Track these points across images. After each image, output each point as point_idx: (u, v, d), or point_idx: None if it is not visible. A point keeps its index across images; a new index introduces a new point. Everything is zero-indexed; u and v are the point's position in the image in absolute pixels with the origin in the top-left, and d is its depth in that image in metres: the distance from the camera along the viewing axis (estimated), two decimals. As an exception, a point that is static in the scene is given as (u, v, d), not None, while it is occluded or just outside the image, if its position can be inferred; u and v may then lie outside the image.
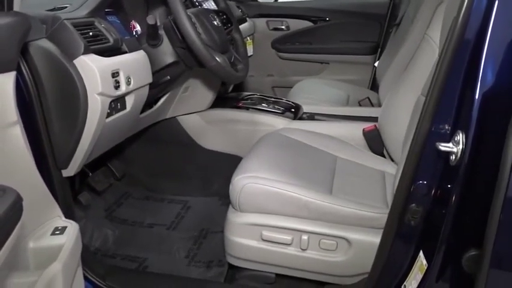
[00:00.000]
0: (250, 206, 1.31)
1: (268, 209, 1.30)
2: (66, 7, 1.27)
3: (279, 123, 1.86)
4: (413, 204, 0.96)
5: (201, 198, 1.98)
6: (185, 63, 1.42)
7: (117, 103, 1.29)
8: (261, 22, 2.86)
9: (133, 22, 1.66)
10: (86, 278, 1.31)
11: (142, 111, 1.58)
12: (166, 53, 1.41)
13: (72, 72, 1.13)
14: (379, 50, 2.67)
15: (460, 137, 0.83)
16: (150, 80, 1.40)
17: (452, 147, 0.84)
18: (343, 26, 2.78)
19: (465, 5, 0.80)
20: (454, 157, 0.85)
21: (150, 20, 1.26)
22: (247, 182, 1.31)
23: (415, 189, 0.95)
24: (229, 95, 2.18)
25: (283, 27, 2.87)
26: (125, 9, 1.50)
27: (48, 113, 1.16)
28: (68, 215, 1.32)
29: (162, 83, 1.48)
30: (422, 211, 0.95)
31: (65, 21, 1.14)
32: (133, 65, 1.31)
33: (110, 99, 1.21)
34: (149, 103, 1.65)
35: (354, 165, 1.57)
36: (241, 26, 2.59)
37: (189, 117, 1.93)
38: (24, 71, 1.10)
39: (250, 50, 2.76)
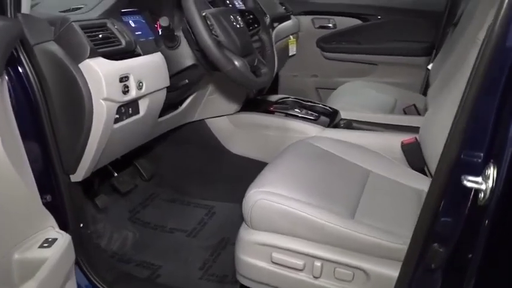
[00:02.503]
0: (261, 223, 1.21)
1: (280, 229, 1.19)
2: (81, 8, 1.23)
3: (311, 130, 1.74)
4: (436, 244, 0.81)
5: (227, 204, 1.91)
6: (204, 67, 1.34)
7: (128, 108, 1.24)
8: (306, 20, 2.72)
9: (159, 21, 1.61)
10: (92, 284, 1.29)
11: (166, 113, 1.53)
12: (184, 55, 1.34)
13: (76, 76, 1.09)
14: (434, 51, 2.44)
15: (491, 171, 0.68)
16: (166, 83, 1.34)
17: (480, 183, 0.69)
18: (395, 24, 2.56)
19: (502, 14, 0.64)
20: (482, 195, 0.69)
21: (163, 22, 1.19)
22: (260, 197, 1.20)
23: (437, 226, 0.80)
24: (262, 98, 2.08)
25: (329, 25, 2.71)
26: (150, 8, 1.45)
27: (54, 117, 1.13)
28: (79, 219, 1.31)
29: (180, 86, 1.41)
30: (444, 253, 0.80)
31: (74, 23, 1.10)
32: (147, 68, 1.25)
33: (117, 105, 1.15)
34: (173, 105, 1.60)
35: (388, 182, 1.41)
36: (284, 24, 2.48)
37: (217, 120, 1.86)
38: (30, 74, 1.07)
39: (293, 49, 2.64)
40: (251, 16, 1.48)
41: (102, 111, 1.12)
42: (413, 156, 1.53)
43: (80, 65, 1.09)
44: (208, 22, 1.24)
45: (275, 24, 2.23)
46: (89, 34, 1.12)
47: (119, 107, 1.18)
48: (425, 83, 2.44)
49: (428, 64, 2.44)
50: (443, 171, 0.75)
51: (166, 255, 1.59)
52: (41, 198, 1.15)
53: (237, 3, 1.75)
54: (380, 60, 2.62)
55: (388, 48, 2.58)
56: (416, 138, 1.53)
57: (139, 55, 1.25)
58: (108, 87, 1.10)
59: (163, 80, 1.32)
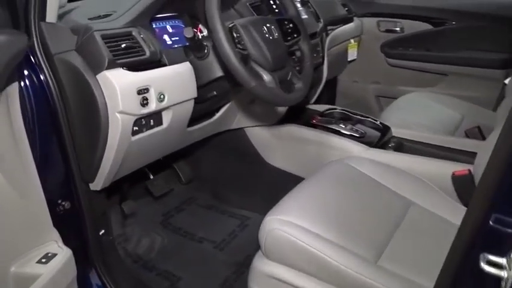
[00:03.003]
0: (275, 254, 1.12)
1: (293, 264, 1.09)
2: (110, 15, 1.21)
3: (353, 149, 1.60)
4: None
5: (262, 216, 1.83)
6: (228, 80, 1.26)
7: (149, 120, 1.20)
8: (370, 22, 2.52)
9: (200, 25, 1.56)
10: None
11: (199, 122, 1.48)
12: (213, 66, 1.28)
13: (93, 88, 1.07)
14: (515, 64, 2.14)
15: None
16: (193, 94, 1.28)
17: (501, 271, 0.55)
18: (471, 31, 2.28)
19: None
20: (504, 285, 0.55)
21: (187, 33, 1.13)
22: (276, 226, 1.11)
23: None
24: (309, 107, 1.96)
25: (397, 29, 2.49)
26: (189, 12, 1.40)
27: (73, 126, 1.12)
28: (98, 226, 1.32)
29: (209, 98, 1.35)
30: None
31: (95, 32, 1.07)
32: (171, 79, 1.20)
33: (134, 118, 1.12)
34: (208, 113, 1.55)
35: (430, 218, 1.24)
36: (346, 27, 2.33)
37: (256, 130, 1.78)
38: (50, 82, 1.07)
39: (353, 54, 2.48)
40: (290, 25, 1.37)
41: (117, 124, 1.09)
42: (465, 191, 1.34)
43: (98, 76, 1.07)
44: (235, 33, 1.16)
45: (331, 28, 2.09)
46: (111, 44, 1.09)
47: (138, 119, 1.15)
48: (499, 99, 2.15)
49: (505, 78, 2.15)
50: (458, 249, 0.61)
51: (189, 266, 1.56)
52: (59, 205, 1.17)
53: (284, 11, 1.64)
54: (450, 70, 2.36)
55: (461, 57, 2.31)
56: (470, 171, 1.34)
57: (164, 65, 1.20)
58: (123, 100, 1.07)
59: (189, 91, 1.27)
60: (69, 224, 1.20)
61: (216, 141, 1.81)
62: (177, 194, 1.94)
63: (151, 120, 1.21)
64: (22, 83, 1.04)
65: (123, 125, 1.10)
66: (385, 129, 1.74)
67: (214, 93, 1.33)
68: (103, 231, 1.36)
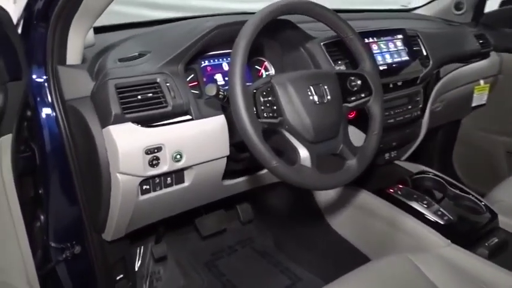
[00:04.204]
0: None
1: None
2: (144, 55, 1.09)
3: (429, 240, 1.24)
4: None
5: (314, 279, 1.59)
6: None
7: (165, 178, 1.06)
8: (513, 59, 1.99)
9: (266, 63, 1.37)
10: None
11: (240, 176, 1.29)
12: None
13: (97, 143, 0.97)
14: None
15: None
16: (225, 152, 1.10)
17: None
18: None
19: None
20: None
21: (209, 91, 0.94)
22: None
23: None
24: (398, 163, 1.61)
25: (550, 71, 1.92)
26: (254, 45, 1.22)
27: (82, 174, 1.05)
28: (116, 271, 1.25)
29: (242, 158, 1.15)
30: None
31: (110, 81, 0.96)
32: (194, 137, 1.04)
33: (138, 179, 0.99)
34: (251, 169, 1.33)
35: None
36: (475, 65, 1.90)
37: (322, 187, 1.52)
38: (63, 129, 1.01)
39: (481, 98, 1.99)
40: (358, 82, 1.08)
41: (117, 184, 0.98)
42: None
43: (104, 130, 0.96)
44: (266, 96, 0.93)
45: (444, 70, 1.68)
46: (125, 95, 0.97)
47: (149, 179, 1.02)
48: None
49: None
50: None
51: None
52: (70, 248, 1.12)
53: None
54: None
55: None
56: None
57: (190, 119, 1.04)
58: (124, 161, 0.95)
59: (218, 149, 1.09)
60: (77, 270, 1.16)
61: (279, 186, 1.60)
62: (234, 233, 1.79)
63: (169, 179, 1.07)
64: (40, 119, 0.99)
65: (123, 186, 0.98)
66: (487, 217, 1.32)
67: (248, 154, 1.13)
68: (121, 275, 1.28)
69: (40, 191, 1.08)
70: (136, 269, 1.50)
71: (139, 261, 1.52)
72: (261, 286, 1.59)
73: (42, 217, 1.09)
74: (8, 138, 0.90)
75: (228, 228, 1.75)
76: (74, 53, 1.02)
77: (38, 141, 1.02)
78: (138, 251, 1.53)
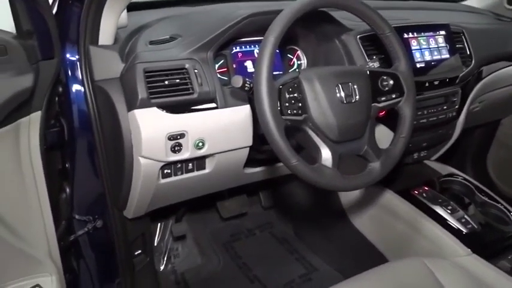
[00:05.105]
0: None
1: None
2: (176, 39, 1.09)
3: (450, 248, 1.21)
4: None
5: (330, 271, 1.59)
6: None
7: (186, 164, 1.07)
8: None
9: (299, 52, 1.34)
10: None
11: (262, 165, 1.29)
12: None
13: (122, 126, 0.98)
14: None
15: None
16: (247, 142, 1.10)
17: None
18: None
19: None
20: None
21: (235, 83, 0.93)
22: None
23: None
24: (427, 163, 1.56)
25: None
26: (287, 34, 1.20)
27: (107, 153, 1.08)
28: (131, 248, 1.29)
29: (264, 150, 1.15)
30: None
31: (138, 64, 0.97)
32: (217, 125, 1.04)
33: (160, 164, 1.01)
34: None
35: None
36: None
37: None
38: (91, 109, 1.03)
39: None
40: (391, 82, 1.03)
41: (139, 168, 1.00)
42: None
43: (129, 114, 0.98)
44: (291, 93, 0.91)
45: (487, 69, 1.59)
46: (153, 79, 0.97)
47: (170, 164, 1.04)
48: None
49: None
50: None
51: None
52: (92, 221, 1.16)
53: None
54: None
55: None
56: None
57: (215, 108, 1.04)
58: (147, 145, 0.96)
59: (242, 138, 1.09)
60: (98, 243, 1.20)
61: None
62: (254, 216, 1.81)
63: (190, 165, 1.08)
64: (70, 95, 1.02)
65: (145, 169, 1.00)
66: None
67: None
68: (140, 251, 1.33)
69: (67, 165, 1.12)
70: (155, 244, 1.54)
71: (159, 238, 1.56)
72: (276, 272, 1.60)
73: (68, 189, 1.13)
74: (37, 115, 0.93)
75: (249, 212, 1.77)
76: (106, 33, 1.03)
77: (67, 117, 1.05)
78: (158, 227, 1.58)
